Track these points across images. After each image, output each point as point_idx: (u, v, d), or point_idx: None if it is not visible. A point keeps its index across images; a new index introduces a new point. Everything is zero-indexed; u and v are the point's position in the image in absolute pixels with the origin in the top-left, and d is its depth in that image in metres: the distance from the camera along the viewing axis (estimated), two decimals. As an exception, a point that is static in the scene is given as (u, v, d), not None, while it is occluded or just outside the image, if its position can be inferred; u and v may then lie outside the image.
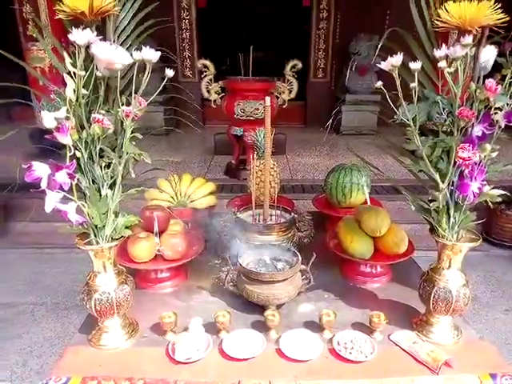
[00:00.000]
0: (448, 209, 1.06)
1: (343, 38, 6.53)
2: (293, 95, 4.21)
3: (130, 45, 0.96)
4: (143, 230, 1.39)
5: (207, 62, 4.00)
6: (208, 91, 4.08)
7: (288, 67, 4.12)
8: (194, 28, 6.62)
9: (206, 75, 4.04)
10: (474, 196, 1.00)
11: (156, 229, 1.37)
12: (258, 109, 4.00)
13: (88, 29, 0.83)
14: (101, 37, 0.85)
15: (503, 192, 1.03)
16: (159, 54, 0.84)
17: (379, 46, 1.12)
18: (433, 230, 1.11)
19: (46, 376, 1.01)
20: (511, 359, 2.27)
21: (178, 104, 6.63)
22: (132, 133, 0.89)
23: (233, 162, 4.56)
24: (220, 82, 4.10)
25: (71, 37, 0.81)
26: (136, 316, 1.21)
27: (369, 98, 6.17)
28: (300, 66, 4.12)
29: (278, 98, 4.17)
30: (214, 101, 4.13)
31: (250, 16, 8.57)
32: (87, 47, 0.83)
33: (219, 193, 1.88)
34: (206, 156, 5.29)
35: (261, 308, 1.22)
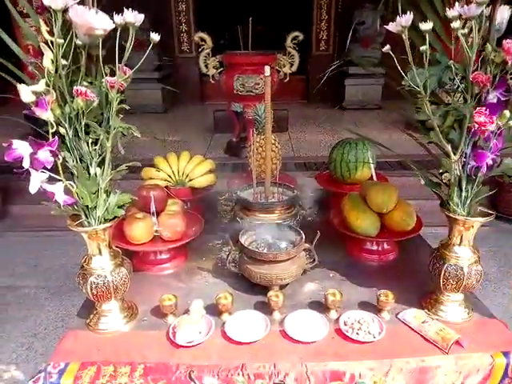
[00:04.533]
0: (460, 182, 1.00)
1: (346, 7, 6.28)
2: (294, 69, 4.06)
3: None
4: (140, 211, 1.34)
5: (204, 35, 3.84)
6: (206, 66, 3.94)
7: (289, 39, 3.95)
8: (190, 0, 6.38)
9: (203, 49, 3.89)
10: (487, 168, 0.94)
11: (153, 208, 1.32)
12: (258, 83, 3.87)
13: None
14: (78, 0, 0.76)
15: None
16: (143, 16, 0.76)
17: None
18: (443, 205, 1.06)
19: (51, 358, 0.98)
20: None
21: (175, 81, 6.50)
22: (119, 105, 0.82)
23: (233, 139, 4.47)
24: (218, 57, 3.95)
25: (45, 1, 0.73)
26: (135, 299, 1.18)
27: (373, 70, 5.96)
28: (301, 37, 3.94)
29: (278, 72, 4.03)
30: (213, 76, 3.99)
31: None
32: (64, 12, 0.75)
33: (220, 171, 1.82)
34: (205, 134, 5.19)
35: (264, 289, 1.18)
